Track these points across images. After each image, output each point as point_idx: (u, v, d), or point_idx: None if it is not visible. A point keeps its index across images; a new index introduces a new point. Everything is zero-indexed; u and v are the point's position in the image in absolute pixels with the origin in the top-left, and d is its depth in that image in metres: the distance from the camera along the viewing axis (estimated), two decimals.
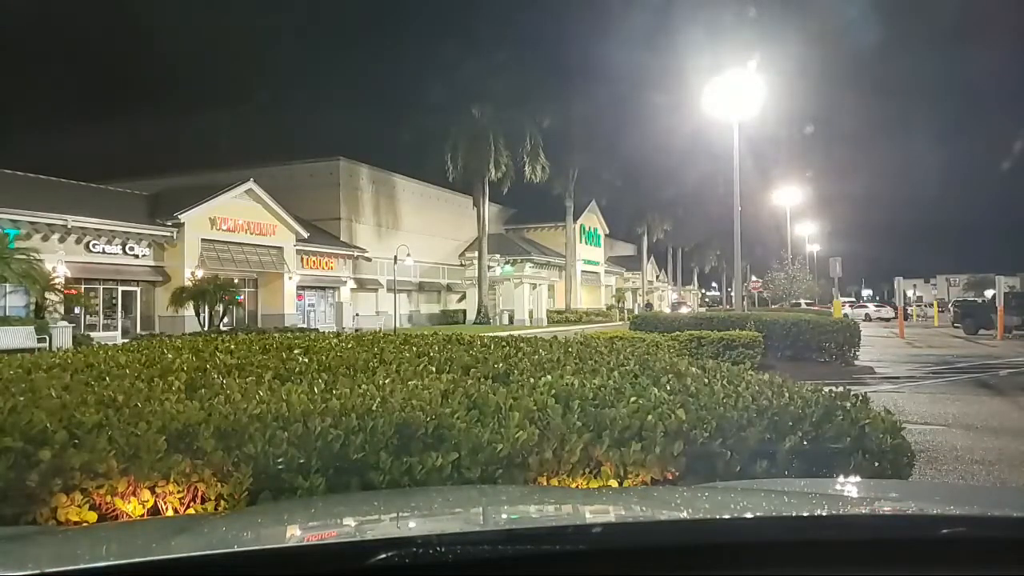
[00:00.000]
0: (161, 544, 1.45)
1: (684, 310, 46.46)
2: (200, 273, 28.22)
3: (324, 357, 4.16)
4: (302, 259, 36.57)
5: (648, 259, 65.90)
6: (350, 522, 1.80)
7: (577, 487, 2.43)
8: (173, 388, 3.05)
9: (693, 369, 3.72)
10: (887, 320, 49.56)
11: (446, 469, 2.30)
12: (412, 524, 1.80)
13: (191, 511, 2.19)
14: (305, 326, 29.64)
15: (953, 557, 1.30)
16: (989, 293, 41.45)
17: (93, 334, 23.80)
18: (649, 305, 58.75)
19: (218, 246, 31.64)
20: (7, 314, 23.06)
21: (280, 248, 34.72)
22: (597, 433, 2.51)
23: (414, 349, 4.71)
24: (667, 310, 52.57)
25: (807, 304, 38.34)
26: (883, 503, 1.87)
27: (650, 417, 2.55)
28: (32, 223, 25.45)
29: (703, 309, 58.04)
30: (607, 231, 62.69)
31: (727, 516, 1.66)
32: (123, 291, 29.48)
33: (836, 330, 16.31)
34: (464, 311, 45.12)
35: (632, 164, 51.01)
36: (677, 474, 2.43)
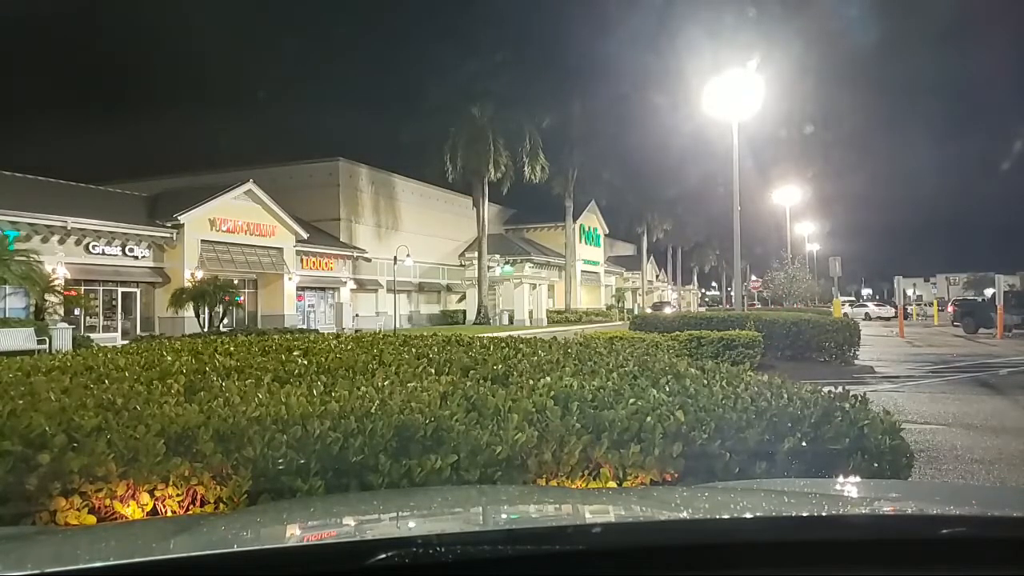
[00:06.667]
0: (161, 544, 1.45)
1: (668, 310, 46.20)
2: (200, 274, 28.23)
3: (323, 359, 4.16)
4: (302, 260, 36.57)
5: (648, 259, 65.87)
6: (350, 522, 1.80)
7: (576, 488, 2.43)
8: (172, 391, 3.05)
9: (692, 370, 3.72)
10: (887, 319, 49.57)
11: (445, 471, 2.30)
12: (412, 524, 1.80)
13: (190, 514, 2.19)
14: (305, 327, 29.64)
15: (953, 557, 1.30)
16: (989, 292, 41.47)
17: (93, 335, 23.77)
18: (659, 304, 58.32)
19: (218, 247, 31.64)
20: (7, 316, 23.04)
21: (280, 249, 34.71)
22: (596, 435, 2.50)
23: (413, 350, 4.71)
24: (648, 310, 52.15)
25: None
26: (883, 503, 1.87)
27: (649, 419, 2.54)
28: (32, 224, 25.47)
29: (703, 308, 57.98)
30: (607, 231, 62.70)
31: (726, 516, 1.66)
32: (123, 292, 29.49)
33: (836, 329, 16.31)
34: (464, 311, 45.11)
35: (632, 164, 51.05)
36: (676, 475, 2.42)
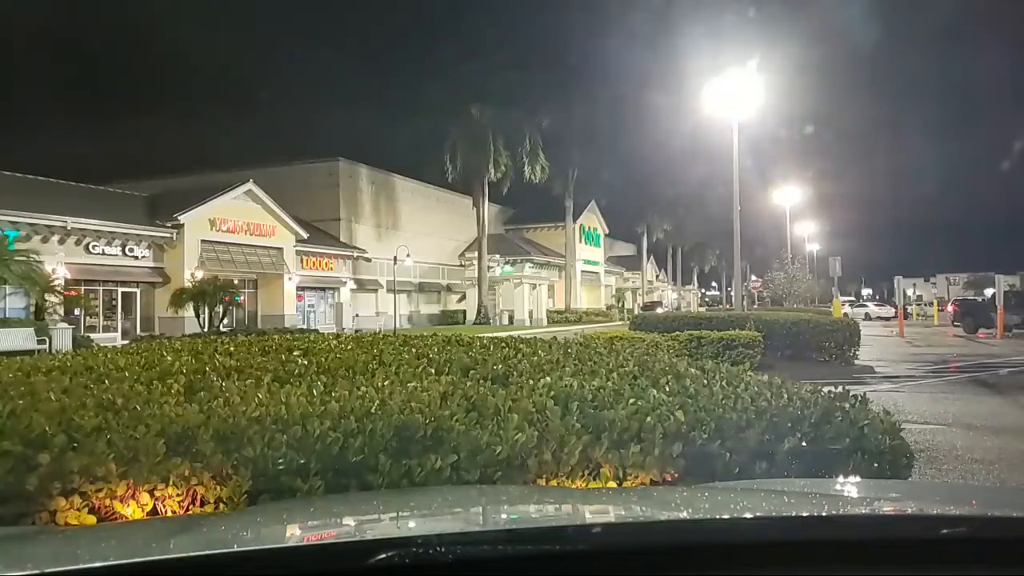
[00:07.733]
0: (161, 544, 1.45)
1: (660, 310, 46.20)
2: (200, 274, 28.20)
3: (323, 359, 4.15)
4: (302, 260, 36.56)
5: (648, 259, 65.88)
6: (350, 522, 1.80)
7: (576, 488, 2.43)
8: (172, 391, 3.05)
9: (692, 370, 3.71)
10: (887, 319, 49.56)
11: (445, 471, 2.30)
12: (412, 524, 1.80)
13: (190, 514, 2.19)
14: (305, 327, 29.60)
15: (953, 557, 1.30)
16: (989, 292, 41.46)
17: (93, 335, 23.78)
18: (650, 304, 58.23)
19: (218, 247, 31.64)
20: (7, 316, 23.05)
21: (280, 249, 34.71)
22: (596, 435, 2.50)
23: (413, 350, 4.70)
24: (637, 310, 51.99)
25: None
26: (883, 503, 1.87)
27: (649, 419, 2.54)
28: (32, 225, 25.46)
29: (702, 308, 57.94)
30: (607, 231, 62.67)
31: (726, 516, 1.66)
32: (123, 292, 29.48)
33: (836, 329, 16.32)
34: (464, 311, 45.10)
35: (632, 164, 50.98)
36: (676, 475, 2.42)
